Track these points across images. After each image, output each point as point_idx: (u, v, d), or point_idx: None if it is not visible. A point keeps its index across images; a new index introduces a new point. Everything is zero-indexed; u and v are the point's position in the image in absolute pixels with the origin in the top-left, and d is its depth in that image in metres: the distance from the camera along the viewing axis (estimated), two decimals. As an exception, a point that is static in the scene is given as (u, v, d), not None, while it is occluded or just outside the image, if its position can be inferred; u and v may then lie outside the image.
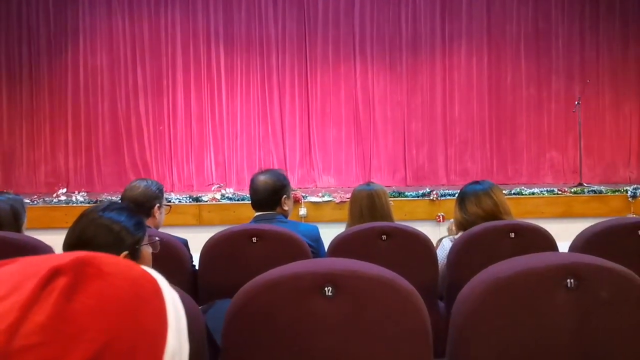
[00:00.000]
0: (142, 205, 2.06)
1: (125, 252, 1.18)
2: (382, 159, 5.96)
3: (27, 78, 5.85)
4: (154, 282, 0.48)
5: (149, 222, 2.06)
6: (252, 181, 2.27)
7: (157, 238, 1.34)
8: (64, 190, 4.91)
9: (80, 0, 5.84)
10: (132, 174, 5.61)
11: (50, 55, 5.88)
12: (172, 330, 0.46)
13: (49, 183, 5.64)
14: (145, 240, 1.26)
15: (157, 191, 2.15)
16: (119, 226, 1.19)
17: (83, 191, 5.06)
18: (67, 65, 5.88)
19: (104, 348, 0.40)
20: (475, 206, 2.11)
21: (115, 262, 0.45)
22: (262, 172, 2.29)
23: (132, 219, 1.22)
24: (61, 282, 0.40)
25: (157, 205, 2.14)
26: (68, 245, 1.18)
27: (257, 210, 2.25)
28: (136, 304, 0.44)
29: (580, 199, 4.52)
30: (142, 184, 2.16)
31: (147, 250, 1.27)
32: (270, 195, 2.21)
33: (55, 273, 0.41)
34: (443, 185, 5.66)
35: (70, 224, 1.24)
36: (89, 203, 4.29)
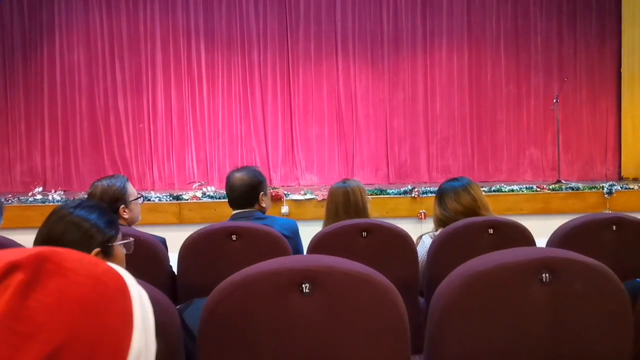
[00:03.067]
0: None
1: (97, 250, 1.16)
2: (365, 156, 5.97)
3: (1, 75, 5.71)
4: (120, 279, 0.46)
5: (120, 221, 2.00)
6: (228, 179, 2.24)
7: (130, 238, 1.31)
8: (40, 189, 4.80)
9: (55, -5, 5.72)
10: (112, 172, 5.49)
11: (25, 51, 5.74)
12: (138, 329, 0.45)
13: (25, 182, 5.51)
14: (119, 239, 1.24)
15: (119, 191, 2.00)
16: (89, 224, 1.16)
17: (60, 190, 4.96)
18: (43, 61, 5.75)
19: (60, 348, 0.38)
20: (455, 202, 2.13)
21: (79, 259, 0.44)
22: (237, 170, 2.26)
23: (103, 217, 1.20)
24: (17, 278, 0.39)
25: (122, 206, 2.01)
26: (38, 243, 1.15)
27: (234, 209, 2.23)
28: (98, 302, 0.42)
29: (558, 195, 4.60)
30: (99, 189, 1.99)
31: (120, 250, 1.24)
32: (247, 193, 2.18)
33: (11, 268, 0.39)
34: (425, 182, 5.70)
35: None
36: (65, 202, 4.20)
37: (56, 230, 1.14)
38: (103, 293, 0.43)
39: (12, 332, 0.37)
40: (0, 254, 0.41)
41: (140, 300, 0.47)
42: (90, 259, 0.45)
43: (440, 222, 2.18)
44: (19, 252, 0.41)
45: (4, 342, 0.36)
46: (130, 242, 1.30)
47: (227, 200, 2.29)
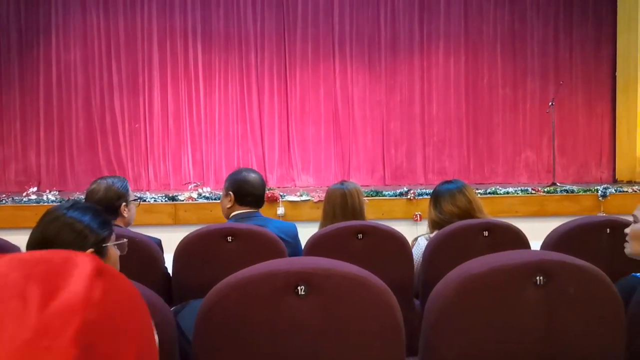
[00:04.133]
0: (108, 208, 1.99)
1: (91, 250, 1.16)
2: (361, 158, 5.98)
3: (-3, 73, 5.68)
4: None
5: (118, 221, 2.01)
6: (247, 178, 2.22)
7: (124, 240, 1.31)
8: (35, 189, 4.78)
9: (52, -6, 5.70)
10: (107, 173, 5.49)
11: (21, 50, 5.71)
12: (153, 325, 0.53)
13: (20, 182, 5.48)
14: (112, 240, 1.24)
15: (121, 189, 2.05)
16: (82, 225, 1.16)
17: (55, 190, 4.93)
18: (39, 61, 5.72)
19: (141, 346, 0.44)
20: (450, 205, 2.14)
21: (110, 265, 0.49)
22: (246, 170, 2.28)
23: (96, 218, 1.20)
24: (102, 282, 0.42)
25: (124, 204, 2.05)
26: (31, 244, 1.15)
27: (248, 207, 2.22)
28: (144, 304, 0.48)
29: (553, 198, 4.62)
30: (103, 185, 2.03)
31: (113, 250, 1.25)
32: (264, 192, 2.22)
33: (98, 273, 0.42)
34: (421, 184, 5.71)
35: None
36: (60, 202, 4.18)
37: (50, 231, 1.14)
38: (140, 295, 0.49)
39: (113, 330, 0.41)
40: (57, 256, 0.43)
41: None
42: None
43: (435, 225, 2.18)
44: (76, 257, 0.44)
45: (111, 340, 0.40)
46: (124, 242, 1.30)
47: (232, 198, 2.23)
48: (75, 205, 1.21)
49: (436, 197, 2.20)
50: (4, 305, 0.37)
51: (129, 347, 0.41)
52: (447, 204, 2.14)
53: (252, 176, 2.23)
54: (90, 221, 1.18)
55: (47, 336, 0.36)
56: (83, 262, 0.41)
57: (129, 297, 0.44)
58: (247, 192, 2.20)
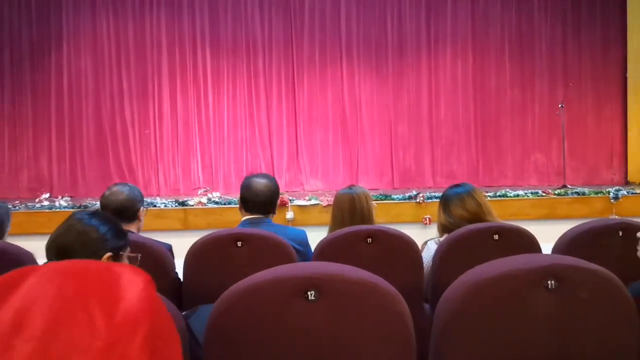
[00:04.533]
0: (128, 210, 2.03)
1: (109, 254, 1.20)
2: (369, 162, 5.98)
3: (9, 81, 5.76)
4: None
5: (133, 226, 2.04)
6: (251, 184, 2.22)
7: (138, 255, 1.35)
8: (47, 195, 4.84)
9: (63, 3, 5.77)
10: (117, 179, 5.54)
11: (33, 58, 5.80)
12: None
13: (32, 188, 5.54)
14: (127, 251, 1.27)
15: (139, 194, 2.13)
16: (98, 234, 1.20)
17: (67, 196, 4.99)
18: (50, 68, 5.80)
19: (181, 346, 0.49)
20: (460, 209, 2.13)
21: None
22: (257, 176, 2.26)
23: (113, 228, 1.24)
24: (152, 290, 0.49)
25: (142, 208, 2.12)
26: (49, 249, 1.19)
27: (253, 213, 2.22)
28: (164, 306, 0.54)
29: (564, 200, 4.58)
30: (125, 188, 2.10)
31: (126, 261, 1.28)
32: (270, 199, 2.20)
33: (148, 283, 0.48)
34: (430, 187, 5.69)
35: (53, 230, 1.26)
36: (72, 208, 4.23)
37: (67, 239, 1.18)
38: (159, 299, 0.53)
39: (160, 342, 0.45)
40: (98, 270, 0.48)
41: None
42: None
43: (445, 229, 2.17)
44: (118, 267, 0.49)
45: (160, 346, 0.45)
46: (137, 256, 1.33)
47: (232, 205, 2.29)
48: (95, 214, 1.24)
49: (445, 201, 2.19)
50: (73, 318, 0.38)
51: (177, 348, 0.45)
52: (457, 207, 2.13)
53: (258, 182, 2.21)
54: (106, 230, 1.21)
55: (119, 344, 0.38)
56: (128, 272, 0.44)
57: (164, 306, 0.49)
58: (248, 199, 2.20)
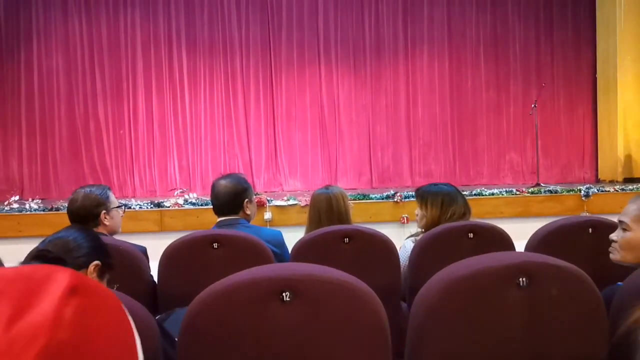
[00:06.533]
0: (86, 217, 1.96)
1: (99, 262, 1.22)
2: (348, 162, 6.00)
3: (-24, 81, 5.58)
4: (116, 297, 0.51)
5: (100, 229, 1.98)
6: (213, 186, 2.23)
7: (116, 285, 1.39)
8: (17, 197, 4.70)
9: (33, 0, 5.62)
10: (91, 180, 5.43)
11: (0, 56, 5.63)
12: (138, 342, 0.49)
13: (1, 190, 5.38)
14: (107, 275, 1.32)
15: (100, 197, 2.01)
16: (88, 243, 1.28)
17: (38, 198, 4.85)
18: (20, 67, 5.64)
19: None
20: (457, 205, 2.15)
21: (93, 280, 0.47)
22: (223, 177, 2.25)
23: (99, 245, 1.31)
24: (75, 301, 0.40)
25: (104, 211, 2.01)
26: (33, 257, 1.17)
27: (219, 216, 2.22)
28: (127, 321, 0.46)
29: (537, 198, 4.68)
30: (81, 193, 2.00)
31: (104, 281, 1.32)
32: (231, 200, 2.17)
33: (71, 291, 0.40)
34: (408, 187, 5.74)
35: (23, 233, 1.28)
36: (43, 211, 4.11)
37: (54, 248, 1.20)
38: (124, 311, 0.47)
39: (84, 356, 0.38)
40: (38, 273, 0.41)
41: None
42: (95, 281, 0.48)
43: (432, 224, 2.13)
44: (54, 271, 0.42)
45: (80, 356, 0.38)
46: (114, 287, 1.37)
47: (210, 207, 2.28)
48: (83, 230, 1.33)
49: (444, 197, 2.16)
50: None
51: None
52: (455, 204, 2.15)
53: (219, 183, 2.20)
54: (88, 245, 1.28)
55: (7, 356, 0.35)
56: (60, 279, 0.40)
57: (108, 317, 0.42)
58: (212, 201, 2.21)
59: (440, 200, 2.21)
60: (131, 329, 0.47)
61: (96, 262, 1.26)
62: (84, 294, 0.40)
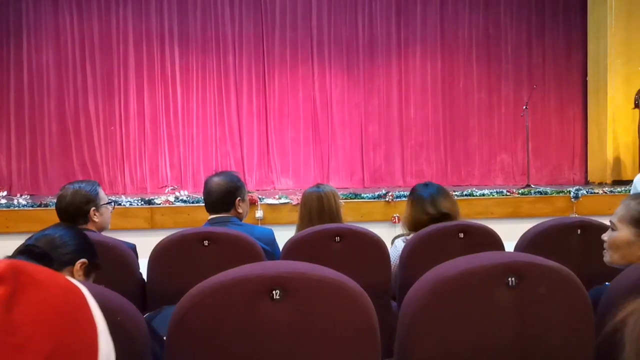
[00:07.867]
0: (76, 213, 1.94)
1: (85, 260, 1.25)
2: (340, 161, 6.00)
3: (-35, 75, 5.51)
4: (77, 287, 0.49)
5: (89, 226, 1.96)
6: (206, 183, 2.22)
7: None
8: (5, 193, 4.64)
9: (23, -5, 5.56)
10: (81, 176, 5.38)
11: (-10, 51, 5.56)
12: (102, 333, 0.47)
13: (-11, 186, 5.32)
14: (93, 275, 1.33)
15: (90, 193, 1.98)
16: (74, 241, 1.27)
17: (26, 194, 4.80)
18: (9, 62, 5.57)
19: (49, 357, 0.39)
20: (447, 202, 2.15)
21: (44, 271, 0.45)
22: (216, 174, 2.24)
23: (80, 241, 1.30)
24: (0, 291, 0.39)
25: (93, 208, 1.98)
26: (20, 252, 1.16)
27: (211, 213, 2.21)
28: (72, 310, 0.44)
29: (527, 199, 4.72)
30: (70, 190, 1.96)
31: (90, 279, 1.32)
32: (223, 197, 2.16)
33: None
34: (399, 186, 5.76)
35: (10, 229, 1.27)
36: (32, 207, 4.07)
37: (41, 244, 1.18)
38: (73, 301, 0.45)
39: (5, 345, 0.37)
40: None
41: (96, 306, 0.49)
42: (51, 271, 0.46)
43: (419, 225, 2.13)
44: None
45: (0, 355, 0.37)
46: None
47: (201, 204, 2.27)
48: (71, 228, 1.32)
49: (434, 195, 2.15)
50: None
51: None
52: (445, 202, 2.14)
53: (211, 180, 2.19)
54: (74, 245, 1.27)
55: None
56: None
57: (42, 309, 0.40)
58: (204, 198, 2.20)
59: (410, 200, 2.22)
60: (88, 319, 0.45)
61: (82, 260, 1.25)
62: (12, 285, 0.39)
